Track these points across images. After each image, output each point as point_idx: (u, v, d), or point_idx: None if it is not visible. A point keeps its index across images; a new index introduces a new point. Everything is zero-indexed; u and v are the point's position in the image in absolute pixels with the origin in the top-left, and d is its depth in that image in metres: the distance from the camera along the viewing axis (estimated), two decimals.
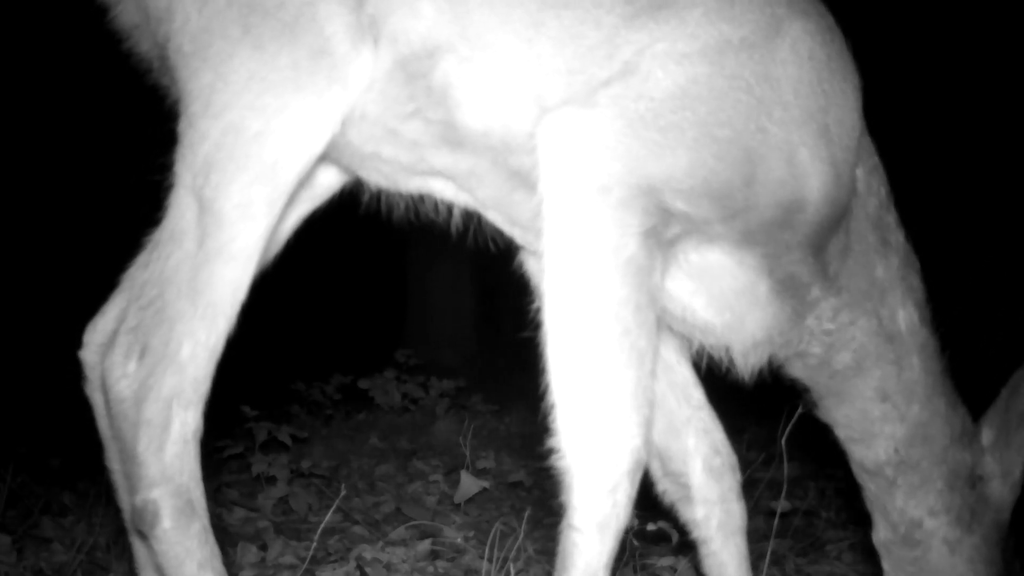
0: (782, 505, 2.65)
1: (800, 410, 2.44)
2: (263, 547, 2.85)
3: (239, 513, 3.27)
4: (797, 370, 2.17)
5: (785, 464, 2.52)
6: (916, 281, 2.16)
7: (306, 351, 6.82)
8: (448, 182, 2.08)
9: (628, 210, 1.83)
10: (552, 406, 1.85)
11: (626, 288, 1.83)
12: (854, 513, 3.69)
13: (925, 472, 2.16)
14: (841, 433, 2.22)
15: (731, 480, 2.27)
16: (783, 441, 2.47)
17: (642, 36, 1.88)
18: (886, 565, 2.25)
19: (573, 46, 1.88)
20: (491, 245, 2.18)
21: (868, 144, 2.10)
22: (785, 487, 2.65)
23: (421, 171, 2.07)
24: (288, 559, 2.78)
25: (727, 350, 2.09)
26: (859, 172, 2.06)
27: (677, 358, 2.30)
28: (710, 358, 2.14)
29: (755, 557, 2.36)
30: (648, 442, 1.88)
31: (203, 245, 1.83)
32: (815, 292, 2.05)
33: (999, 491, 2.19)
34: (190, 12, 1.86)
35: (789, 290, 2.02)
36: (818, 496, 3.76)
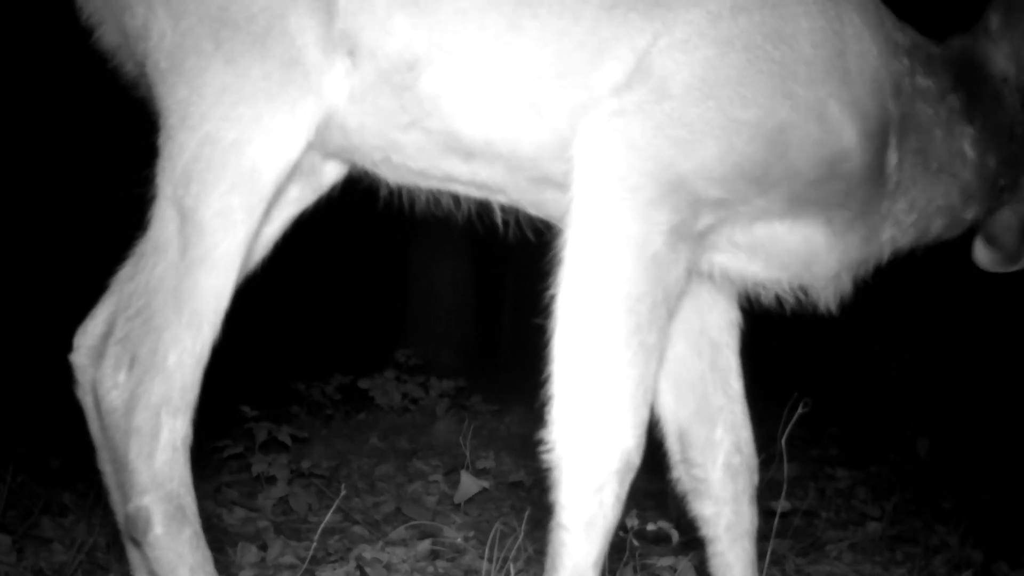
0: (782, 505, 2.64)
1: (800, 410, 2.44)
2: (263, 547, 2.85)
3: (239, 513, 3.27)
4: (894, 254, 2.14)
5: (785, 464, 2.52)
6: (952, 99, 2.09)
7: (306, 351, 6.82)
8: (479, 188, 2.08)
9: (657, 208, 1.81)
10: (550, 397, 1.83)
11: (646, 284, 1.81)
12: (854, 513, 3.70)
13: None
14: None
15: (746, 481, 2.22)
16: (783, 441, 2.46)
17: (629, 29, 1.85)
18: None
19: (556, 45, 1.86)
20: (530, 236, 2.15)
21: (890, 35, 2.01)
22: (785, 487, 2.64)
23: (438, 177, 2.07)
24: (288, 559, 2.78)
25: (803, 290, 2.07)
26: (892, 65, 1.98)
27: (726, 340, 2.25)
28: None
29: None
30: (642, 445, 1.85)
31: (186, 254, 1.86)
32: (884, 207, 2.01)
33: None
34: (165, 29, 1.89)
35: (855, 226, 1.99)
36: (818, 496, 3.76)
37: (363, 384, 4.94)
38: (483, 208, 2.15)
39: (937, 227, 2.11)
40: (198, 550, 1.90)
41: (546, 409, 1.84)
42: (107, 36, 2.05)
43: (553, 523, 1.84)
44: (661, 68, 1.84)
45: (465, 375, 5.55)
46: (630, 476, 1.84)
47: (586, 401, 1.81)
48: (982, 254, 2.33)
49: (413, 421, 4.86)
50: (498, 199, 2.11)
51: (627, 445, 1.81)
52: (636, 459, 1.84)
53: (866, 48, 1.94)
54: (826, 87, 1.88)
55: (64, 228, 8.32)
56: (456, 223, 2.19)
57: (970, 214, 2.13)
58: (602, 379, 1.81)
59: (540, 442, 1.84)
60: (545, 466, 1.83)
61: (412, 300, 7.42)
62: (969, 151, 2.10)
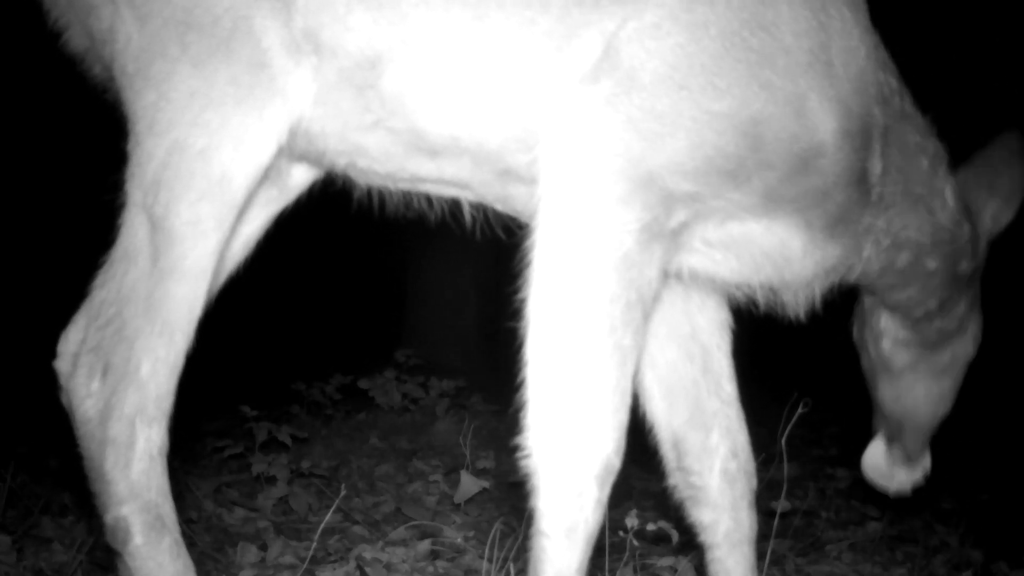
0: (782, 505, 2.64)
1: (800, 410, 2.44)
2: (263, 547, 2.85)
3: (239, 513, 3.27)
4: (856, 280, 2.10)
5: (785, 464, 2.52)
6: (940, 147, 2.07)
7: (306, 351, 6.81)
8: (446, 186, 2.05)
9: (627, 206, 1.77)
10: (525, 402, 1.81)
11: (619, 285, 1.77)
12: (854, 513, 3.70)
13: (966, 290, 2.16)
14: (897, 305, 2.16)
15: (744, 487, 2.20)
16: (783, 441, 2.46)
17: (601, 14, 1.78)
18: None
19: (524, 35, 1.80)
20: (502, 234, 2.12)
21: (875, 41, 1.97)
22: (785, 487, 2.64)
23: (406, 179, 2.03)
24: (288, 559, 2.78)
25: (773, 293, 2.03)
26: (880, 76, 1.94)
27: (717, 342, 2.21)
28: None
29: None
30: (621, 448, 1.81)
31: (157, 263, 1.84)
32: (866, 220, 1.97)
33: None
34: (131, 33, 1.86)
35: (836, 233, 1.93)
36: (818, 496, 3.76)
37: (363, 384, 4.93)
38: (461, 208, 2.11)
39: (902, 261, 2.05)
40: (179, 558, 1.90)
41: (521, 415, 1.81)
42: (74, 39, 2.02)
43: (533, 530, 1.81)
44: (630, 57, 1.77)
45: (465, 375, 5.54)
46: (611, 480, 1.81)
47: (562, 406, 1.78)
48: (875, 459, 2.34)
49: (413, 421, 4.85)
50: (466, 196, 2.06)
51: (606, 450, 1.78)
52: (616, 462, 1.81)
53: (854, 45, 1.88)
54: (807, 79, 1.81)
55: (66, 227, 8.31)
56: (458, 223, 2.17)
57: (932, 264, 2.07)
58: (577, 384, 1.77)
59: (517, 448, 1.81)
60: (522, 472, 1.81)
61: (411, 299, 7.41)
62: (950, 198, 2.06)
